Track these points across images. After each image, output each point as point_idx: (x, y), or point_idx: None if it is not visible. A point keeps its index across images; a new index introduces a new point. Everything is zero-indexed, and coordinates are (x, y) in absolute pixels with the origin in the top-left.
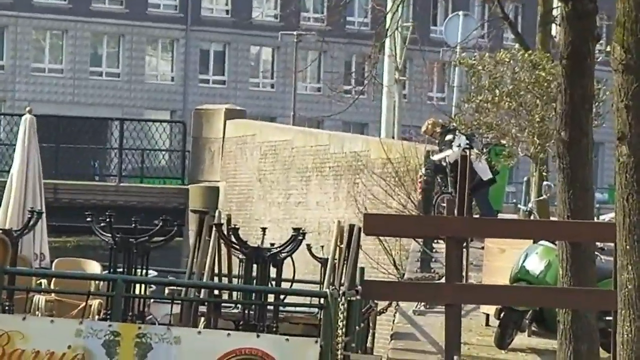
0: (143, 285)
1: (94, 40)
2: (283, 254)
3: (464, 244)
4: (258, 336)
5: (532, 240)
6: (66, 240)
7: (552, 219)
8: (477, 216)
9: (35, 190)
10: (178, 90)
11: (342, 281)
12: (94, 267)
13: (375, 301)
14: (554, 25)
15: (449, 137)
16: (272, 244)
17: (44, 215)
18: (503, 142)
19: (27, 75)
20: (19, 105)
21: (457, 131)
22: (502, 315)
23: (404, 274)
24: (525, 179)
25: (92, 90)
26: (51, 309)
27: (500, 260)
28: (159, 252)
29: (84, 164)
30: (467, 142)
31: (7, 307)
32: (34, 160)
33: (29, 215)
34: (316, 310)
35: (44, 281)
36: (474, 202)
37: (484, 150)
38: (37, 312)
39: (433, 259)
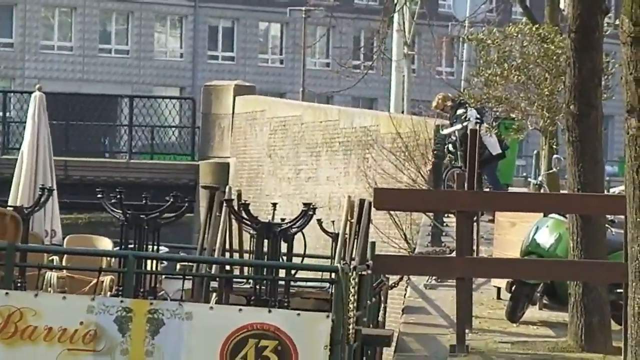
0: (154, 262)
1: (102, 18)
2: (294, 229)
3: (475, 218)
4: (270, 311)
5: (542, 214)
6: (77, 217)
7: (562, 192)
8: (487, 190)
9: (46, 167)
10: (187, 66)
11: (353, 256)
12: (105, 243)
13: (387, 275)
14: None
15: (460, 111)
16: (283, 219)
17: (54, 192)
18: (512, 115)
19: (37, 53)
20: (29, 83)
21: (467, 105)
22: (513, 288)
23: (414, 248)
24: (535, 152)
25: (102, 68)
26: (63, 285)
27: (511, 233)
28: (170, 229)
29: (94, 141)
30: (478, 116)
31: (19, 284)
32: (44, 138)
33: (40, 192)
34: (327, 285)
35: (55, 258)
36: (484, 176)
37: (494, 124)
38: (49, 289)
39: (444, 233)
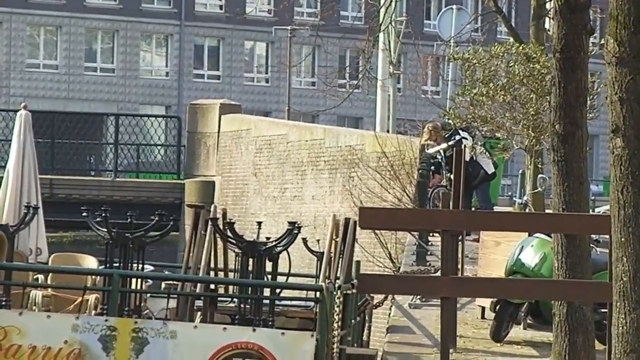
0: (139, 280)
1: (88, 36)
2: (279, 248)
3: (460, 237)
4: (254, 330)
5: (527, 233)
6: (63, 235)
7: (547, 211)
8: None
9: (31, 185)
10: (173, 85)
11: (338, 275)
12: (90, 262)
13: (371, 294)
14: (547, 19)
15: (455, 137)
16: (268, 238)
17: (40, 210)
18: (498, 135)
19: (22, 71)
20: (14, 101)
21: (461, 130)
22: (497, 308)
23: (399, 267)
24: (520, 171)
25: (87, 86)
26: (48, 304)
27: (496, 253)
28: (155, 247)
29: (80, 159)
30: (464, 136)
31: (3, 302)
32: (30, 156)
33: (25, 211)
34: (312, 304)
35: (40, 276)
36: (475, 196)
37: (479, 143)
38: (33, 307)
39: (429, 252)
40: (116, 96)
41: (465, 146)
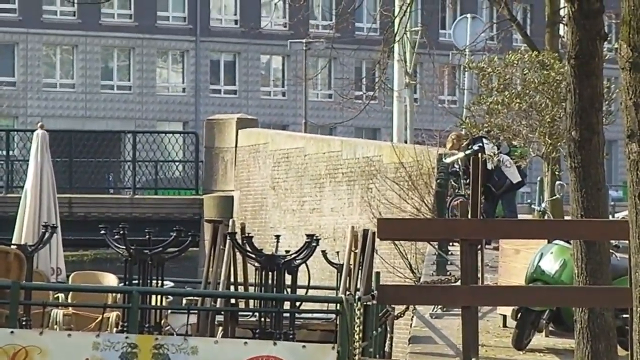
0: (159, 296)
1: (104, 54)
2: (297, 261)
3: (479, 246)
4: (275, 344)
5: (546, 240)
6: (83, 253)
7: (566, 218)
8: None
9: (50, 204)
10: (190, 101)
11: (358, 286)
12: (110, 279)
13: (392, 305)
14: (561, 25)
15: (476, 146)
16: (287, 251)
17: (58, 229)
18: (514, 143)
19: (39, 91)
20: (32, 121)
21: (484, 139)
22: (519, 316)
23: (420, 278)
24: (538, 179)
25: (104, 104)
26: (68, 322)
27: (516, 261)
28: (175, 263)
29: (98, 177)
30: (480, 145)
31: (24, 322)
32: (48, 175)
33: (43, 230)
34: (333, 316)
35: (61, 295)
36: (500, 205)
37: (496, 152)
38: (54, 327)
39: (449, 262)
40: (133, 113)
41: (488, 155)
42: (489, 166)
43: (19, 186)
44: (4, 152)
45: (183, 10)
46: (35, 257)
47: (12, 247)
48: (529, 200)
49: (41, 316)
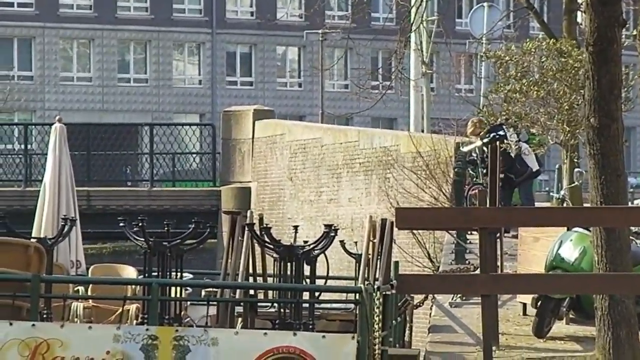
0: (179, 288)
1: (120, 48)
2: (316, 251)
3: (498, 234)
4: (295, 334)
5: (566, 228)
6: (102, 246)
7: (585, 205)
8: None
9: (69, 198)
10: (206, 93)
11: (377, 276)
12: (129, 272)
13: (411, 295)
14: (579, 12)
15: (496, 133)
16: (306, 242)
17: (77, 222)
18: (533, 130)
19: (56, 84)
20: (49, 115)
21: (503, 126)
22: (539, 303)
23: (438, 267)
24: (556, 166)
25: (121, 97)
26: (89, 315)
27: (535, 248)
28: (193, 255)
29: (116, 170)
30: (516, 135)
31: (45, 315)
32: (66, 168)
33: (63, 223)
34: (352, 306)
35: (81, 288)
36: (516, 193)
37: (517, 139)
38: (75, 319)
39: (467, 251)
40: (150, 106)
41: (508, 142)
42: (512, 154)
43: (38, 180)
44: (23, 146)
45: (199, 2)
46: (55, 250)
47: (32, 240)
48: (547, 188)
49: (62, 309)
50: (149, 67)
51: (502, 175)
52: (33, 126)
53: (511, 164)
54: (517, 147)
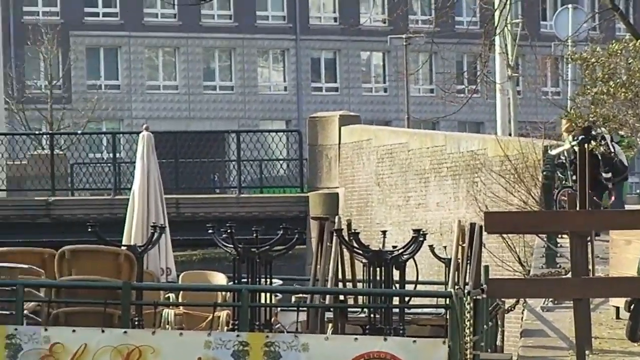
0: (269, 294)
1: (205, 55)
2: (405, 256)
3: (589, 238)
4: (385, 339)
5: None
6: (191, 253)
7: None
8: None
9: (158, 205)
10: (292, 99)
11: (467, 280)
12: (219, 278)
13: (502, 299)
14: None
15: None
16: (394, 247)
17: (167, 229)
18: (621, 132)
19: (143, 93)
20: (137, 124)
21: (593, 128)
22: (632, 307)
23: (529, 271)
24: None
25: (207, 105)
26: (180, 322)
27: (627, 252)
28: (282, 261)
29: (204, 177)
30: (610, 136)
31: (136, 322)
32: (154, 176)
33: (152, 231)
34: (443, 311)
35: (171, 295)
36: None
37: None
38: (166, 326)
39: (558, 254)
40: (236, 113)
41: (601, 145)
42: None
43: (127, 188)
44: (111, 155)
45: (282, 9)
46: (145, 257)
47: (122, 248)
48: (638, 191)
49: (153, 316)
50: (234, 75)
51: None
52: (121, 135)
53: (610, 164)
54: (607, 146)
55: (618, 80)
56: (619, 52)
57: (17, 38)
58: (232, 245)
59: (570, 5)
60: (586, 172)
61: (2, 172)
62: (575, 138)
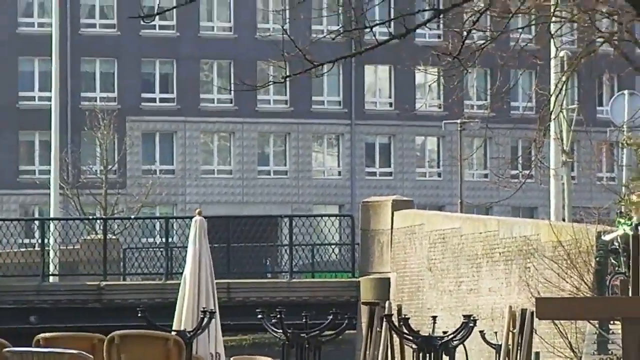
0: None
1: (260, 140)
2: (455, 342)
3: None
4: None
5: None
6: (242, 338)
7: None
8: None
9: (209, 290)
10: (345, 184)
11: None
12: None
13: None
14: None
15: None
16: (445, 332)
17: (217, 314)
18: None
19: (197, 178)
20: (190, 208)
21: None
22: None
23: (581, 357)
24: None
25: (261, 189)
26: None
27: None
28: (332, 346)
29: (256, 261)
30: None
31: None
32: (206, 261)
33: (202, 315)
34: None
35: None
36: None
37: None
38: None
39: (610, 341)
40: (290, 197)
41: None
42: None
43: (179, 272)
44: (164, 239)
45: (338, 94)
46: (195, 342)
47: (172, 333)
48: None
49: None
50: (289, 159)
51: None
52: (174, 219)
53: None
54: None
55: None
56: None
57: (74, 123)
58: (281, 331)
59: (626, 91)
60: (639, 259)
61: (55, 257)
62: (630, 224)
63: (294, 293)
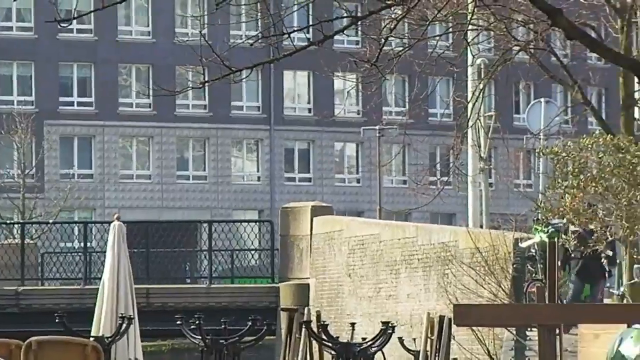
0: None
1: (179, 145)
2: (373, 348)
3: (557, 331)
4: None
5: (626, 325)
6: (161, 344)
7: None
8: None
9: (127, 295)
10: (265, 189)
11: None
12: None
13: None
14: (636, 108)
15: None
16: (364, 339)
17: (135, 320)
18: (591, 227)
19: (116, 182)
20: (109, 213)
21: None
22: None
23: None
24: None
25: (180, 194)
26: None
27: (595, 345)
28: (252, 352)
29: (175, 267)
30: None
31: None
32: (124, 266)
33: (120, 321)
34: None
35: None
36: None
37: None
38: None
39: (527, 347)
40: (209, 203)
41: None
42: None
43: (97, 277)
44: (82, 244)
45: (257, 99)
46: (113, 348)
47: (90, 339)
48: (607, 285)
49: None
50: (208, 164)
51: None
52: (92, 224)
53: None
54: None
55: (588, 174)
56: (590, 146)
57: None
58: (200, 337)
59: (542, 99)
60: (555, 265)
61: None
62: (546, 230)
63: (214, 299)
